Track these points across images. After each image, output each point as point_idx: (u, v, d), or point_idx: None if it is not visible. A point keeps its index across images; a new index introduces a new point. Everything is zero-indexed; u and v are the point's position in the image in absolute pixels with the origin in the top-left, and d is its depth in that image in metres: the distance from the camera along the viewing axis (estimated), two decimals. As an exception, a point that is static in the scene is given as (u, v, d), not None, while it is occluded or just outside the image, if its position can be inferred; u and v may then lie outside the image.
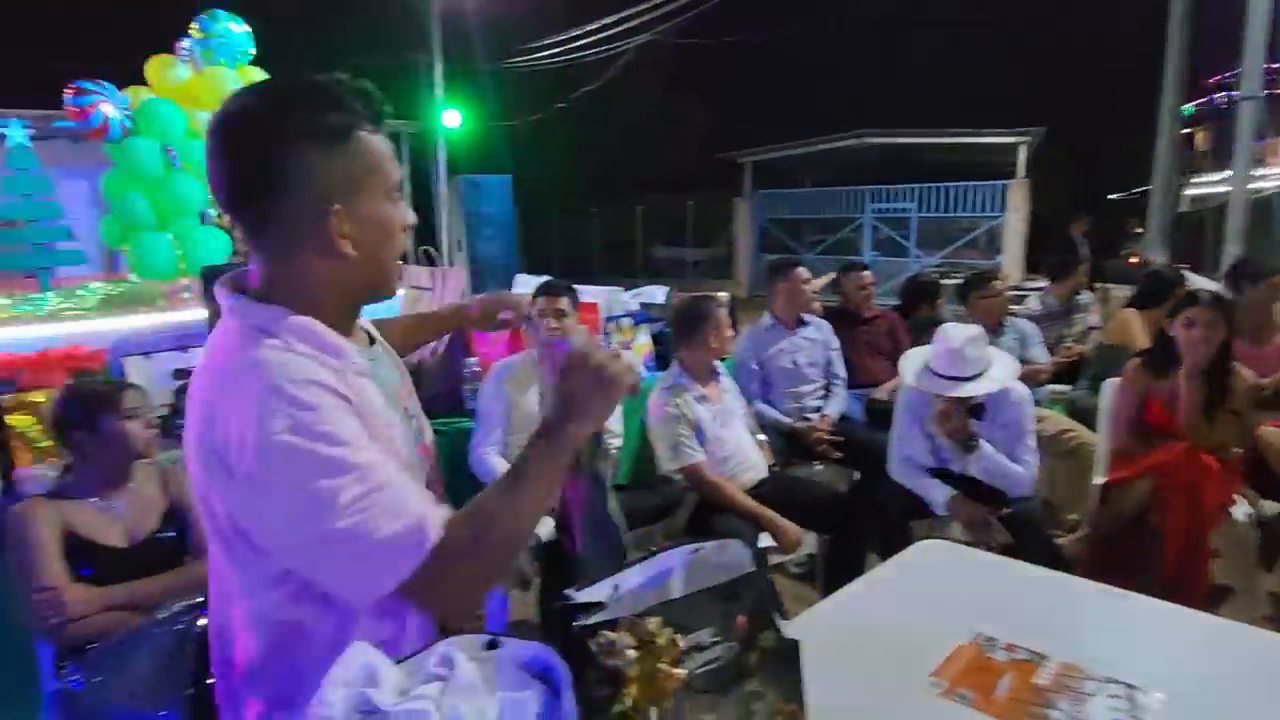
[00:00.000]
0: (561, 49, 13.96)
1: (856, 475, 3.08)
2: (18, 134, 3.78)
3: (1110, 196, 16.14)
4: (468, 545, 0.82)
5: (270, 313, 0.87)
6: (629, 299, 3.76)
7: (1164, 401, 2.53)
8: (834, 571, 2.52)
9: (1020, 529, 2.33)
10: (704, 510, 2.50)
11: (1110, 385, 2.85)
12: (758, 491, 2.55)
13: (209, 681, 1.52)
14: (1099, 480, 2.71)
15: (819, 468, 3.05)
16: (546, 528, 2.18)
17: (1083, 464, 3.03)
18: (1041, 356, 3.46)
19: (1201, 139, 17.33)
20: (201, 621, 1.57)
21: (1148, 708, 1.07)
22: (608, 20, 12.92)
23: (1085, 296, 4.09)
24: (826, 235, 13.75)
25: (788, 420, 3.13)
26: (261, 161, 0.84)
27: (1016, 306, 3.84)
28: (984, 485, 2.42)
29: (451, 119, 11.68)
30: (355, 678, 0.62)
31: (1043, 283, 6.50)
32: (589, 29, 13.25)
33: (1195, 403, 2.42)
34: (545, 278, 4.17)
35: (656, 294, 4.01)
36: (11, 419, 1.99)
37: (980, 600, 1.46)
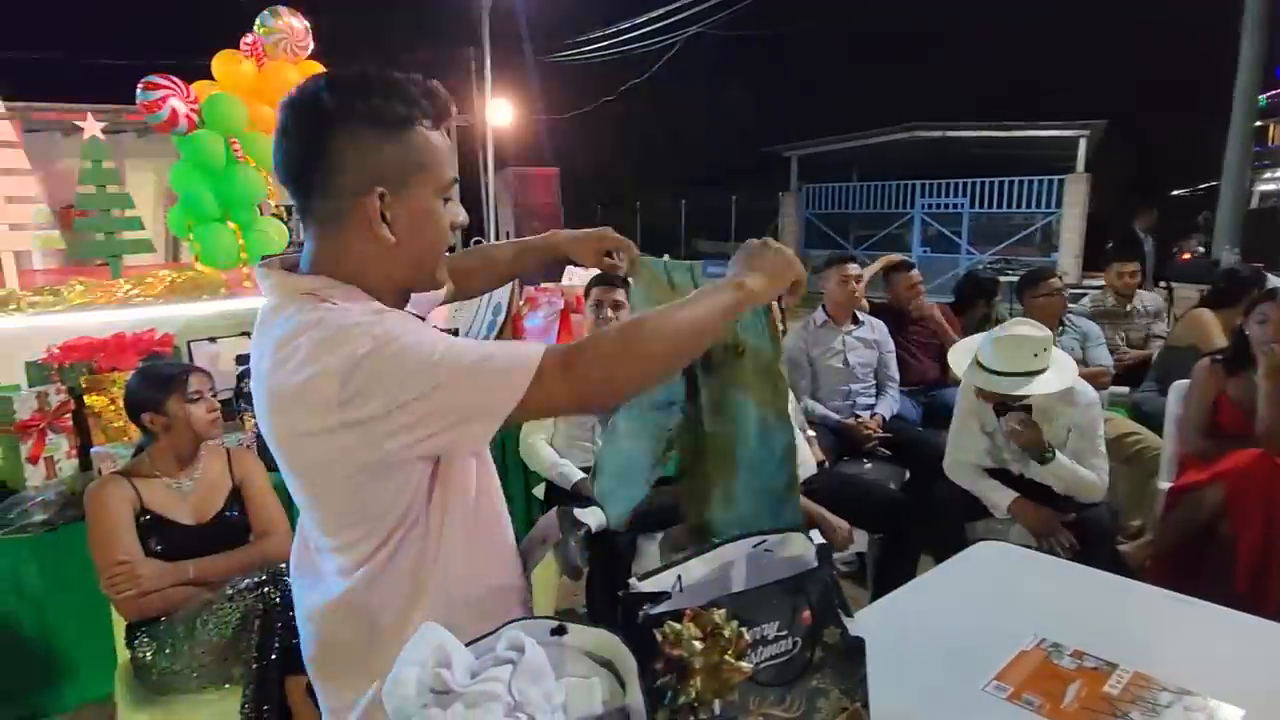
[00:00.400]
0: (609, 43, 13.96)
1: (908, 474, 3.02)
2: (92, 127, 3.93)
3: (1174, 192, 15.51)
4: (607, 339, 0.91)
5: (319, 281, 0.89)
6: (677, 292, 3.73)
7: (1238, 404, 2.42)
8: (884, 572, 2.48)
9: (1086, 535, 2.25)
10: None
11: (1179, 387, 2.74)
12: (806, 488, 2.51)
13: (272, 656, 1.57)
14: (1165, 485, 2.60)
15: (869, 466, 3.00)
16: (597, 518, 2.18)
17: (1146, 468, 2.92)
18: (1104, 358, 3.34)
19: (1275, 132, 16.48)
20: (265, 598, 1.63)
21: (1227, 723, 1.03)
22: (655, 13, 12.87)
23: (1150, 299, 3.87)
24: (874, 231, 13.50)
25: (836, 416, 3.08)
26: (320, 138, 0.87)
27: (1074, 305, 3.70)
28: (1045, 489, 2.34)
29: (500, 112, 11.78)
30: (428, 657, 0.63)
31: (1102, 280, 6.25)
32: (636, 22, 13.22)
33: (1273, 405, 2.30)
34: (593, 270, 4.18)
35: (703, 287, 3.96)
36: (89, 399, 2.07)
37: (1043, 604, 1.41)
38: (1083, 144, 11.03)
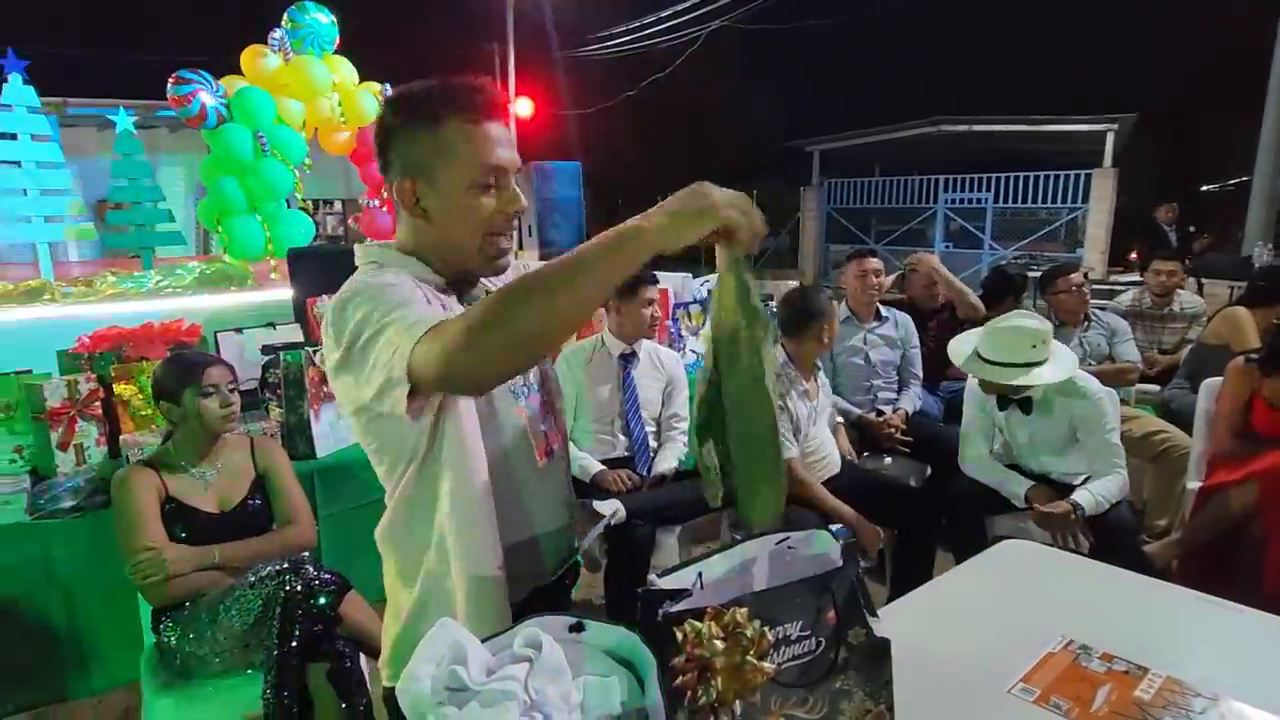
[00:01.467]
0: (631, 38, 13.91)
1: (929, 470, 2.97)
2: (125, 121, 3.98)
3: (1204, 188, 15.14)
4: (483, 310, 0.79)
5: (384, 253, 1.02)
6: (698, 286, 3.71)
7: (1273, 405, 2.34)
8: (901, 567, 2.44)
9: (1109, 534, 2.19)
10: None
11: (1210, 385, 2.66)
12: (831, 484, 2.48)
13: (293, 644, 1.58)
14: (1194, 485, 2.53)
15: (889, 461, 2.95)
16: (616, 511, 2.17)
17: (1174, 467, 2.85)
18: (1131, 353, 3.24)
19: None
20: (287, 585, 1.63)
21: (1265, 731, 0.98)
22: (678, 8, 12.79)
23: (1190, 300, 3.70)
24: (895, 226, 13.34)
25: (858, 411, 3.04)
26: (380, 134, 1.01)
27: (1105, 301, 3.61)
28: (1063, 486, 2.30)
29: (523, 107, 11.80)
30: (444, 654, 0.61)
31: (1133, 276, 6.08)
32: (659, 17, 13.15)
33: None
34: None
35: (724, 281, 3.93)
36: (118, 388, 2.09)
37: (1069, 604, 1.37)
38: (1110, 138, 10.79)
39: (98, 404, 2.06)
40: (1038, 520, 2.22)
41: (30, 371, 2.16)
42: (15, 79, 3.60)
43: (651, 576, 0.78)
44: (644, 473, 2.46)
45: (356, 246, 1.06)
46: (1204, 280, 6.01)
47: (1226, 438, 2.46)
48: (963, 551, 2.11)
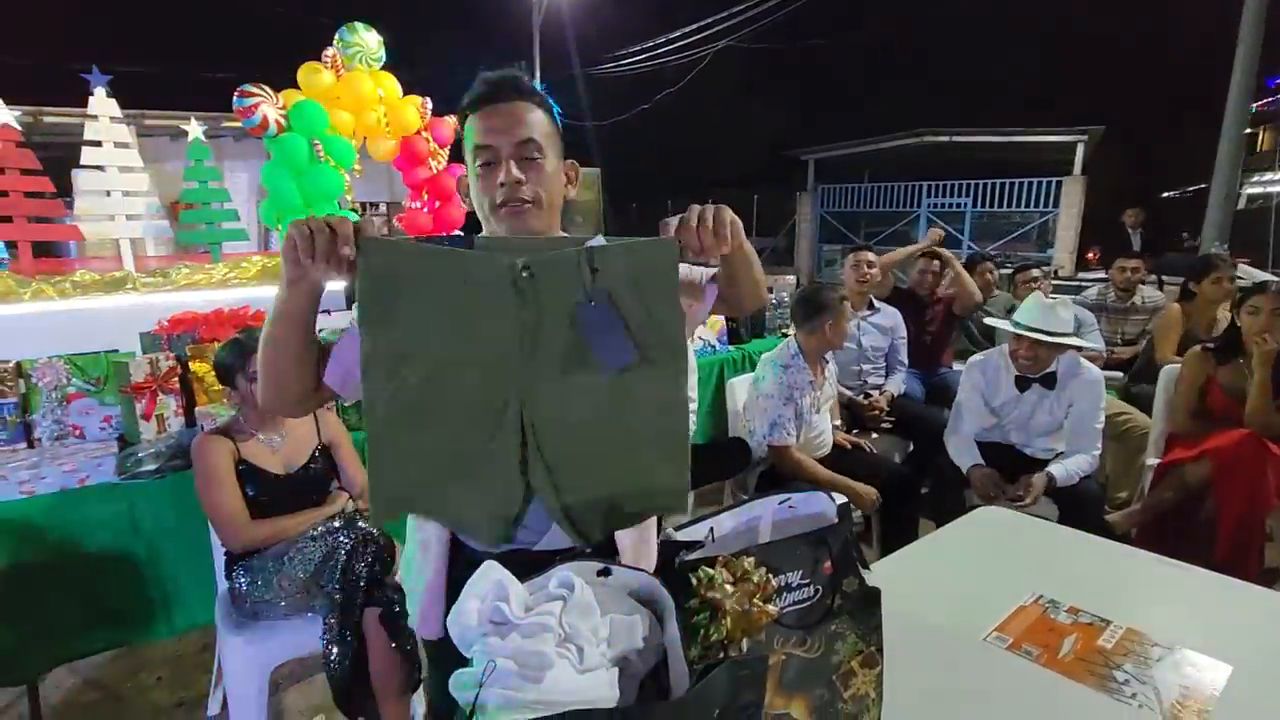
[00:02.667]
0: (646, 56, 13.78)
1: (911, 446, 2.96)
2: (196, 131, 4.00)
3: (1165, 194, 14.86)
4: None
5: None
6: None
7: (1228, 390, 2.31)
8: (888, 534, 2.44)
9: (1077, 504, 2.18)
10: (773, 473, 2.45)
11: (1169, 372, 2.64)
12: (822, 459, 2.48)
13: (350, 591, 1.60)
14: (1153, 461, 2.52)
15: (875, 437, 2.94)
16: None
17: (1134, 445, 2.83)
18: (1096, 343, 3.22)
19: (1267, 139, 15.61)
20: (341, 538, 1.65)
21: (1213, 678, 0.98)
22: (688, 29, 12.65)
23: (1152, 295, 3.64)
24: (882, 228, 13.21)
25: (848, 392, 3.03)
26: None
27: (1072, 296, 3.57)
28: (1041, 462, 2.29)
29: (547, 119, 11.75)
30: (488, 591, 0.62)
31: (1099, 274, 6.00)
32: (671, 37, 13.01)
33: (1262, 391, 2.20)
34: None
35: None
36: (193, 365, 2.11)
37: (1039, 565, 1.37)
38: (1080, 148, 10.62)
39: (175, 380, 2.08)
40: (1009, 498, 2.20)
41: (117, 351, 2.18)
42: (100, 92, 3.62)
43: (668, 529, 0.79)
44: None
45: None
46: (1165, 278, 5.92)
47: (1184, 419, 2.44)
48: (943, 519, 2.10)
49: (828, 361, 2.58)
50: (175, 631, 1.93)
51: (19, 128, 3.44)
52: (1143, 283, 3.65)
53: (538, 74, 11.48)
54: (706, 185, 16.10)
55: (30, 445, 1.96)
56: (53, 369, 2.00)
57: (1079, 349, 2.40)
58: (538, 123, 0.98)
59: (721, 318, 3.47)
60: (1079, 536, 1.52)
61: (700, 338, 3.33)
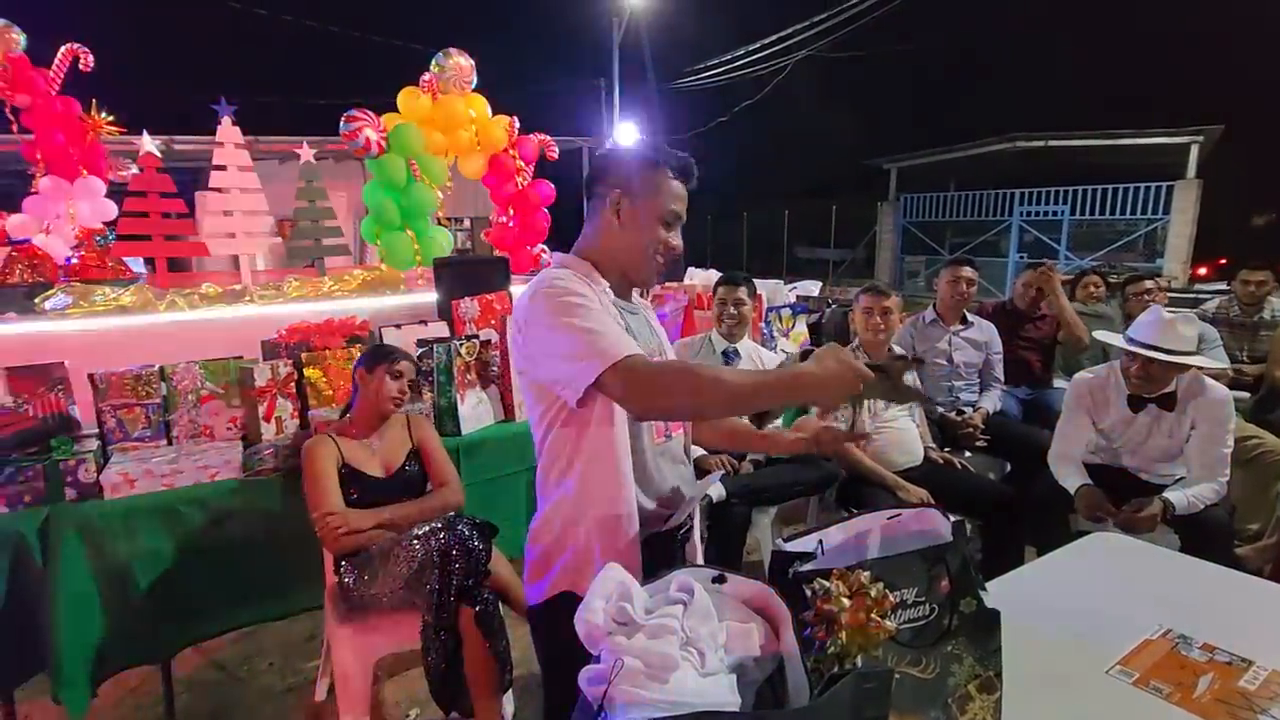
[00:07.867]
0: (724, 69, 13.80)
1: (1008, 467, 2.82)
2: (308, 154, 4.31)
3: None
4: (672, 376, 0.99)
5: (569, 257, 1.16)
6: (788, 292, 3.66)
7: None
8: (990, 558, 2.32)
9: (1202, 532, 2.01)
10: (852, 483, 2.40)
11: (1308, 392, 2.40)
12: (910, 474, 2.40)
13: (449, 590, 1.67)
14: (1289, 490, 2.29)
15: (969, 456, 2.81)
16: (718, 490, 2.18)
17: (1267, 472, 2.58)
18: (1220, 358, 2.96)
19: None
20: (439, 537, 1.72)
21: (1383, 730, 0.89)
22: (767, 40, 12.59)
23: None
24: (969, 238, 12.66)
25: (940, 409, 2.91)
26: (612, 156, 1.20)
27: (1196, 310, 3.31)
28: (1158, 487, 2.13)
29: (626, 133, 11.92)
30: (612, 592, 0.65)
31: (1218, 285, 5.53)
32: (749, 49, 12.99)
33: None
34: (709, 270, 4.17)
35: (812, 288, 3.88)
36: (307, 371, 2.27)
37: (1163, 596, 1.28)
38: (1194, 150, 9.84)
39: (292, 384, 2.24)
40: (1121, 523, 2.06)
41: (241, 357, 2.37)
42: (226, 120, 3.96)
43: (779, 540, 0.80)
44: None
45: (556, 255, 1.20)
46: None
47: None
48: (1044, 544, 1.99)
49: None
50: (291, 613, 2.09)
51: (160, 155, 3.81)
52: (1271, 295, 3.33)
53: (617, 90, 11.70)
54: (783, 196, 15.92)
55: (169, 442, 2.15)
56: (189, 373, 2.20)
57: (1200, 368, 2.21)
58: None
59: (805, 327, 3.42)
60: (1208, 568, 1.41)
61: (784, 350, 3.29)
